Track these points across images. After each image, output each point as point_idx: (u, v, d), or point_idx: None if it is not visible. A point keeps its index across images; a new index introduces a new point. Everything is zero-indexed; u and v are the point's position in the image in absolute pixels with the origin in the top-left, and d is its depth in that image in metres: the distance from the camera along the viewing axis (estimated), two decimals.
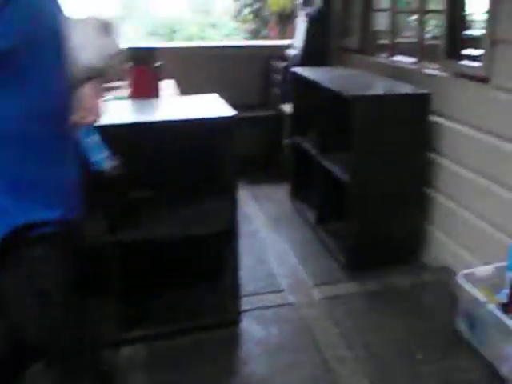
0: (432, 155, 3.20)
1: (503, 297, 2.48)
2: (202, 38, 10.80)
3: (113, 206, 2.39)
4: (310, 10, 4.76)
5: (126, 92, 3.11)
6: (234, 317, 2.67)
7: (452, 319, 2.61)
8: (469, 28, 3.14)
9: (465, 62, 2.99)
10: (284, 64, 4.75)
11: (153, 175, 2.71)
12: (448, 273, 3.02)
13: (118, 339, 2.49)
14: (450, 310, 2.67)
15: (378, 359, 2.43)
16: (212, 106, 2.67)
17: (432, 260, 3.25)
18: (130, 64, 2.97)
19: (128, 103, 2.89)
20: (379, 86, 3.42)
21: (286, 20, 7.36)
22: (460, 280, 2.51)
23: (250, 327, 2.67)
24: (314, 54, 4.63)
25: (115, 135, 2.31)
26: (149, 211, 2.62)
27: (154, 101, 2.92)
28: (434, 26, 4.67)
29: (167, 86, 3.43)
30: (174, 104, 2.86)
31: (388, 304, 2.85)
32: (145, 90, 2.99)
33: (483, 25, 2.78)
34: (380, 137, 3.00)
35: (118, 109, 2.70)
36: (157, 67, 3.05)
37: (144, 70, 2.99)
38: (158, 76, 3.11)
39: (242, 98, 4.91)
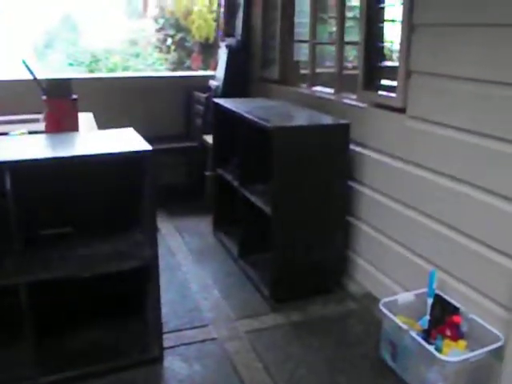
0: (353, 184, 3.25)
1: (424, 323, 2.52)
2: (126, 68, 10.68)
3: (22, 244, 2.25)
4: (230, 40, 4.80)
5: (43, 125, 3.00)
6: (156, 354, 2.58)
7: (376, 347, 2.63)
8: (386, 59, 3.23)
9: (382, 93, 3.07)
10: (206, 95, 4.74)
11: (71, 211, 2.62)
12: (372, 300, 3.05)
13: None
14: (373, 338, 2.70)
15: None
16: (128, 140, 2.61)
17: (356, 288, 3.27)
18: (46, 96, 2.86)
19: (43, 137, 2.77)
20: (299, 117, 3.45)
21: (208, 50, 7.41)
22: (382, 307, 2.53)
23: (173, 364, 2.57)
24: (235, 84, 4.67)
25: (29, 171, 2.21)
26: (66, 248, 2.50)
27: (69, 135, 2.81)
28: (354, 57, 4.81)
29: (84, 120, 3.33)
30: (89, 139, 2.76)
31: (312, 334, 2.83)
32: (61, 124, 2.89)
33: (398, 56, 2.86)
34: (301, 168, 3.01)
35: (32, 143, 2.59)
36: (74, 99, 2.95)
37: (60, 102, 2.88)
38: (75, 109, 3.00)
39: (165, 129, 4.89)
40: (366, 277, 3.25)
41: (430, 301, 2.55)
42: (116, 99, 4.71)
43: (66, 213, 2.61)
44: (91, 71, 10.29)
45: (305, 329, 2.88)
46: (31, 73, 2.88)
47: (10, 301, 2.25)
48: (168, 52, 10.11)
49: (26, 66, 2.88)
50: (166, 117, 4.97)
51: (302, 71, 4.30)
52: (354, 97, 3.38)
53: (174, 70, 9.53)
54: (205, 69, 7.46)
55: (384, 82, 3.15)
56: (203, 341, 2.77)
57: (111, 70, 10.33)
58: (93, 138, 2.74)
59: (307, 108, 3.60)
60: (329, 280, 3.25)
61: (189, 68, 9.08)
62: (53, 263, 2.37)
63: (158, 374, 2.52)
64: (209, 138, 4.32)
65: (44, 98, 2.88)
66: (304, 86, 4.11)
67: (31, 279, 2.26)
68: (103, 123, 3.39)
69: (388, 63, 3.25)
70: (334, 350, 2.68)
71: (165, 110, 4.98)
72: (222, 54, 4.84)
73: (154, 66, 10.58)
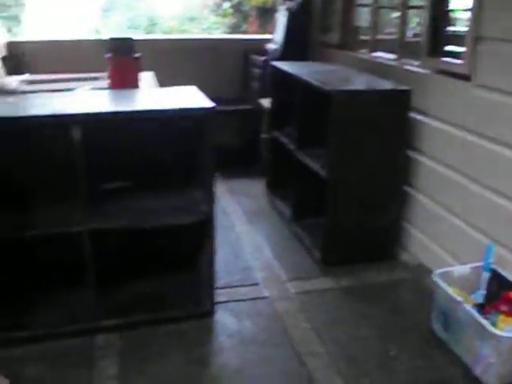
0: (412, 153, 3.19)
1: (478, 297, 2.48)
2: (182, 32, 10.69)
3: (87, 196, 2.32)
4: (290, 4, 4.73)
5: (106, 83, 3.07)
6: (208, 308, 2.64)
7: (427, 317, 2.60)
8: (452, 24, 3.13)
9: (446, 59, 2.97)
10: (264, 58, 4.70)
11: (131, 165, 2.68)
12: (424, 271, 3.02)
13: (92, 327, 2.48)
14: (425, 309, 2.66)
15: (351, 355, 2.41)
16: (191, 97, 2.63)
17: (409, 258, 3.24)
18: (110, 55, 2.92)
19: (107, 93, 2.84)
20: (359, 82, 3.40)
21: (266, 14, 7.32)
22: (436, 279, 2.50)
23: (224, 319, 2.64)
24: (293, 48, 4.60)
25: (97, 125, 2.27)
26: (128, 201, 2.57)
27: (133, 91, 2.87)
28: (417, 24, 4.67)
29: (146, 78, 3.38)
30: (153, 95, 2.82)
31: (362, 300, 2.83)
32: (124, 81, 2.97)
33: (467, 21, 2.76)
34: (359, 132, 2.97)
35: (96, 99, 2.65)
36: (136, 58, 3.00)
37: (124, 60, 2.95)
38: (138, 67, 3.06)
39: (221, 91, 4.86)
40: (419, 247, 3.21)
41: (485, 275, 2.50)
42: (174, 60, 4.74)
43: (127, 167, 2.66)
44: (148, 34, 10.36)
45: (355, 294, 2.89)
46: (99, 33, 2.95)
47: (75, 248, 2.34)
48: (224, 16, 10.04)
49: (95, 27, 2.95)
50: (222, 79, 4.96)
51: (362, 37, 4.21)
52: (417, 63, 3.29)
53: (229, 34, 9.47)
54: (261, 33, 7.38)
55: (449, 48, 3.05)
56: (254, 299, 2.82)
57: (167, 34, 10.37)
58: (156, 95, 2.78)
59: (367, 74, 3.53)
60: (381, 248, 3.23)
61: (245, 32, 9.00)
62: (115, 214, 2.45)
63: (208, 327, 2.59)
64: (265, 102, 4.31)
65: (108, 56, 2.93)
66: (364, 51, 4.03)
67: (94, 227, 2.35)
68: (162, 83, 3.45)
69: (454, 28, 3.14)
70: (384, 318, 2.68)
71: (221, 72, 4.98)
72: (281, 17, 4.78)
73: (210, 30, 10.54)
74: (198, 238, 2.66)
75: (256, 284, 2.96)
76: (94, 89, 3.16)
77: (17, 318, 2.51)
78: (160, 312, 2.59)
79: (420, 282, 2.96)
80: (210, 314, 2.63)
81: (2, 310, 2.52)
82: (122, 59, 2.94)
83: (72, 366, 2.30)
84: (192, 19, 11.29)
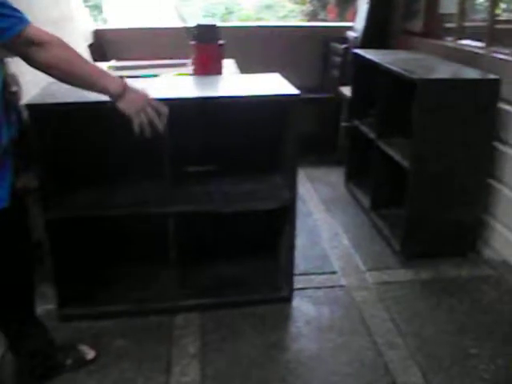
0: (499, 145, 3.08)
1: None
2: (258, 20, 10.72)
3: (172, 179, 2.39)
4: None
5: (190, 69, 3.13)
6: (286, 294, 2.67)
7: (511, 316, 2.52)
8: None
9: None
10: (344, 46, 4.65)
11: (215, 150, 2.72)
12: (509, 268, 2.92)
13: (173, 306, 2.57)
14: (509, 307, 2.59)
15: (430, 349, 2.37)
16: (275, 84, 2.64)
17: (492, 254, 3.13)
18: (195, 41, 2.97)
19: (193, 79, 2.90)
20: (445, 71, 3.30)
21: (345, 2, 7.22)
22: None
23: (302, 306, 2.66)
24: (375, 36, 4.52)
25: (180, 110, 2.33)
26: (210, 185, 2.62)
27: (217, 78, 2.92)
28: (502, 11, 4.47)
29: (227, 65, 3.43)
30: (237, 81, 2.86)
31: (442, 294, 2.77)
32: (208, 67, 3.01)
33: None
34: (444, 122, 2.89)
35: (182, 84, 2.72)
36: (220, 45, 3.05)
37: (209, 46, 2.99)
38: (221, 54, 3.11)
39: (300, 79, 4.79)
40: (504, 244, 3.09)
41: None
42: (253, 48, 4.74)
43: (211, 152, 2.71)
44: (225, 22, 10.45)
45: (434, 288, 2.83)
46: (183, 19, 3.00)
47: (160, 229, 2.41)
48: (302, 3, 9.97)
49: (179, 14, 3.00)
50: (301, 67, 4.92)
51: (446, 24, 4.08)
52: (507, 51, 3.16)
53: (308, 21, 9.40)
54: (340, 21, 7.29)
55: None
56: (332, 287, 2.83)
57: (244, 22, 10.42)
58: (241, 81, 2.81)
59: (452, 62, 3.43)
60: (463, 242, 3.14)
61: (323, 20, 8.91)
62: (198, 198, 2.51)
63: (286, 312, 2.62)
64: (345, 90, 4.26)
65: (193, 42, 2.99)
66: (449, 39, 3.90)
67: (179, 210, 2.42)
68: (241, 71, 3.48)
69: None
70: (464, 313, 2.61)
71: (300, 59, 4.94)
72: (363, 5, 4.70)
73: (286, 18, 10.49)
74: (278, 224, 2.68)
75: (334, 272, 2.96)
76: (178, 75, 3.23)
77: (105, 293, 2.64)
78: (239, 295, 2.65)
79: (504, 279, 2.87)
80: (288, 299, 2.66)
81: (92, 286, 2.66)
82: (207, 45, 2.99)
83: (155, 342, 2.39)
84: (269, 7, 11.28)
